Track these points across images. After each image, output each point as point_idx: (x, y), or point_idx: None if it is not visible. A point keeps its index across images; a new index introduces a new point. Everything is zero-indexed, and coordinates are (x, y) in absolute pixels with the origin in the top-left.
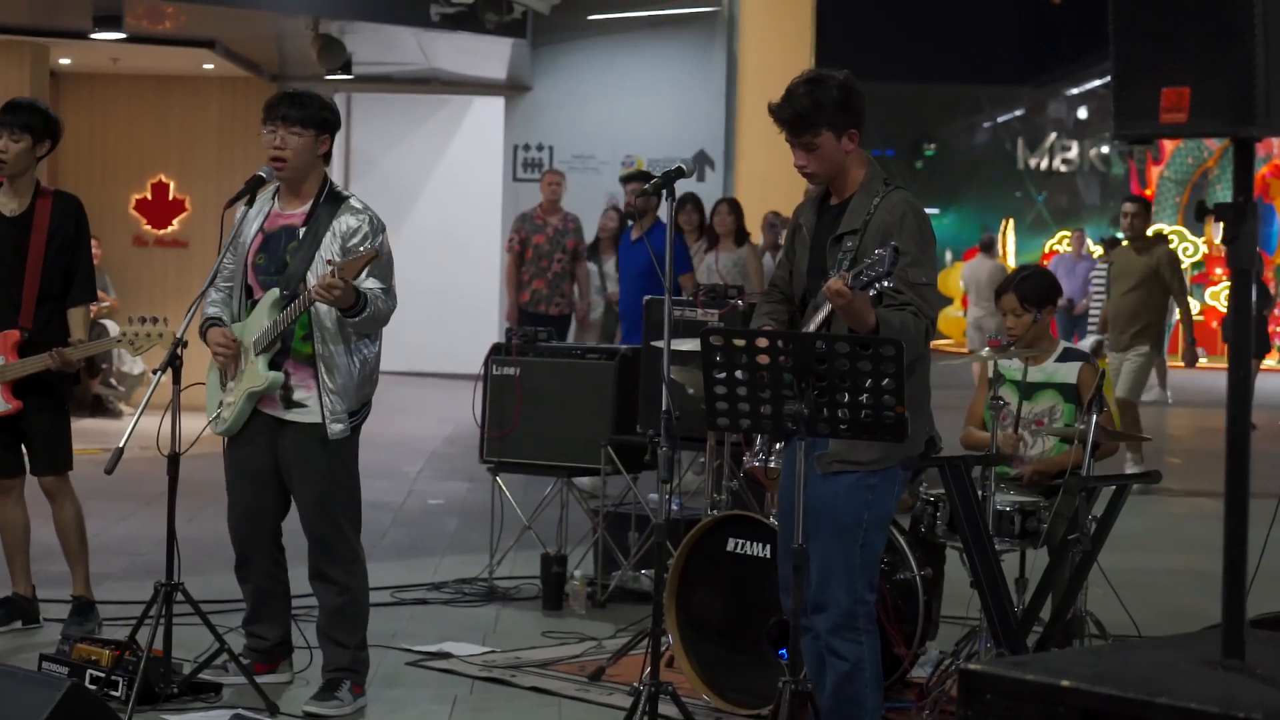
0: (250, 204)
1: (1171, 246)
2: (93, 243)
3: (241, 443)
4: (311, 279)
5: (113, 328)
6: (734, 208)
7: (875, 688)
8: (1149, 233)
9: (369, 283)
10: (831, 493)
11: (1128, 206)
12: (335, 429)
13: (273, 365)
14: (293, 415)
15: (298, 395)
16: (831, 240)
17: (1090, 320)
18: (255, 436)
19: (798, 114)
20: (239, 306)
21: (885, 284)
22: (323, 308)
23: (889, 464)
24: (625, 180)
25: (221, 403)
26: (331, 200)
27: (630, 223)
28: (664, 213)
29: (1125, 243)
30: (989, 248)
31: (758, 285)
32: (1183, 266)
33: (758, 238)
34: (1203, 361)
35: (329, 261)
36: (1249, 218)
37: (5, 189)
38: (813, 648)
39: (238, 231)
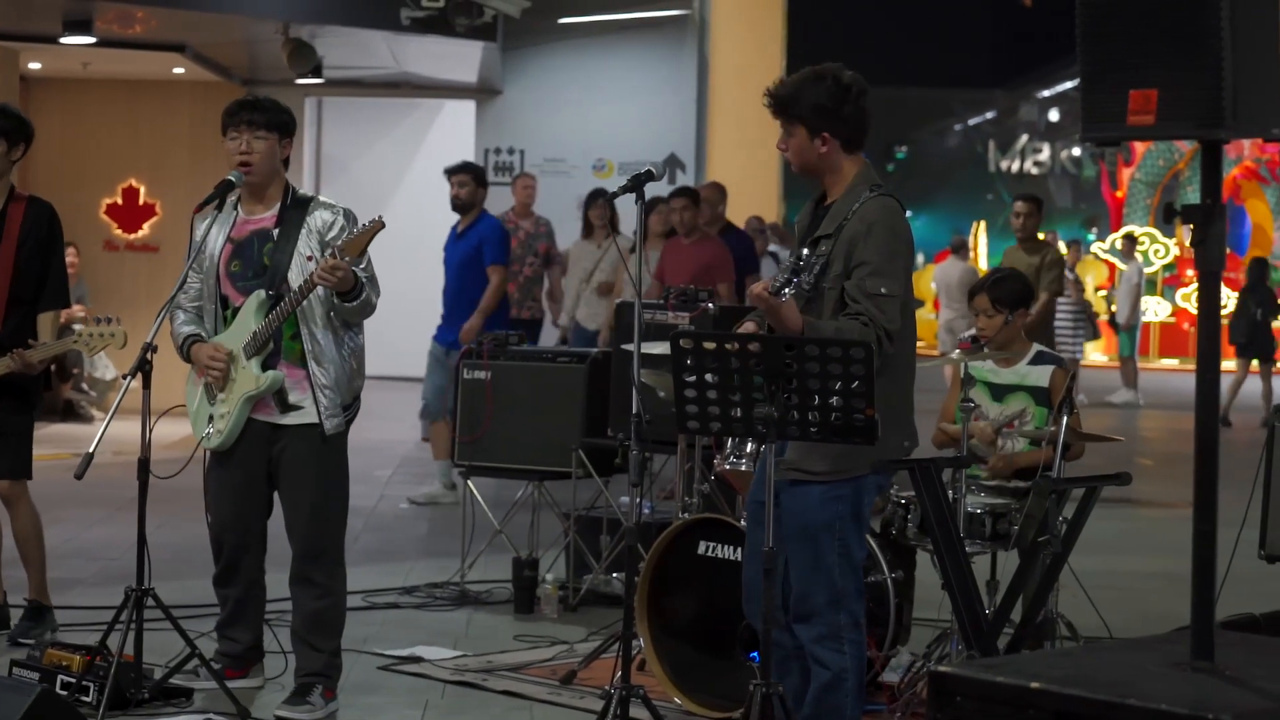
0: (219, 208)
1: (1061, 253)
2: (70, 251)
3: (234, 453)
4: (295, 276)
5: None
6: (611, 205)
7: (857, 697)
8: (1040, 235)
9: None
10: (804, 503)
11: (1019, 205)
12: (332, 424)
13: (266, 367)
14: (290, 418)
15: (293, 398)
16: (809, 242)
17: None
18: (247, 448)
19: (777, 99)
20: (215, 320)
21: (792, 290)
22: (311, 302)
23: (842, 475)
24: (450, 172)
25: (212, 416)
26: (299, 202)
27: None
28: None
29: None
30: (960, 250)
31: (617, 280)
32: (1064, 274)
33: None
34: (1173, 363)
35: (331, 250)
36: (1217, 220)
37: None
38: (780, 653)
39: (200, 248)
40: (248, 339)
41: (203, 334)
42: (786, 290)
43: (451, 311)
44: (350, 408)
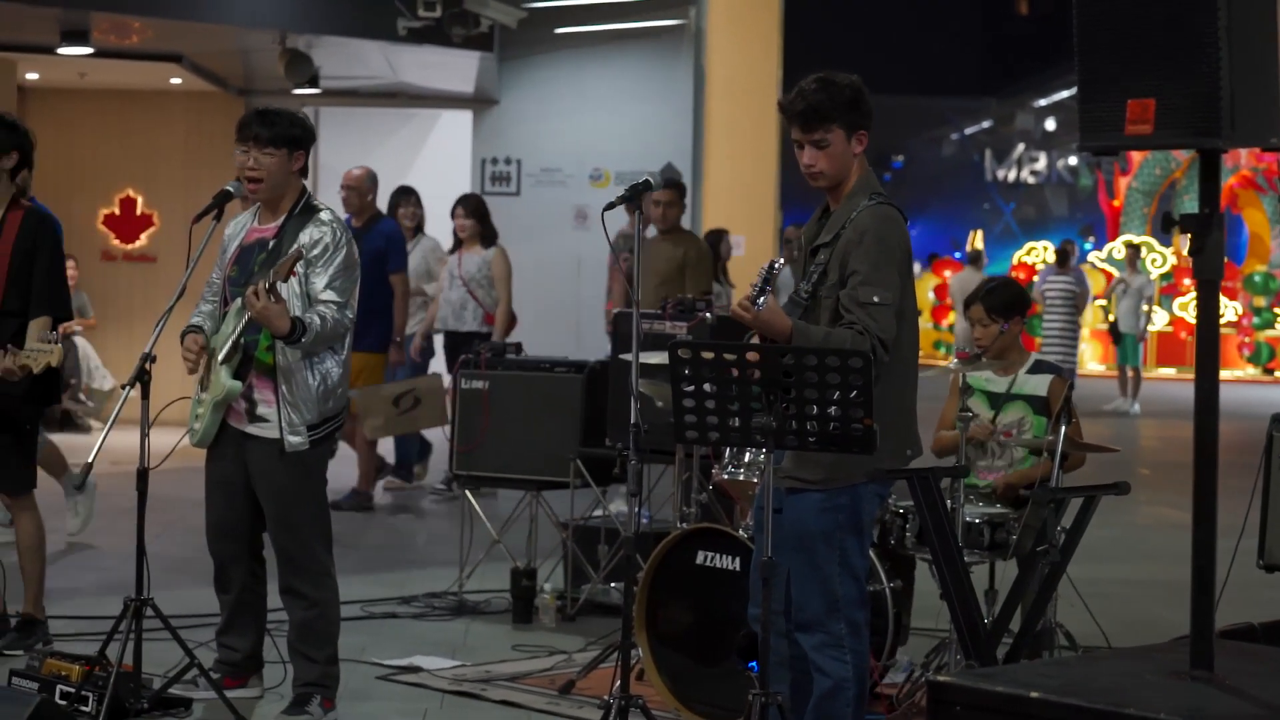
0: (218, 218)
1: (705, 246)
2: (69, 263)
3: (215, 455)
4: (280, 288)
5: (84, 345)
6: (474, 208)
7: (858, 706)
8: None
9: (326, 294)
10: (801, 511)
11: (658, 194)
12: (293, 441)
13: (237, 375)
14: (254, 429)
15: (260, 410)
16: (810, 251)
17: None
18: (226, 450)
19: (811, 107)
20: (219, 322)
21: (764, 299)
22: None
23: (840, 483)
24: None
25: (196, 414)
26: (304, 212)
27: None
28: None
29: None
30: (976, 261)
31: (502, 290)
32: (710, 266)
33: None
34: (1170, 372)
35: (269, 274)
36: (1214, 229)
37: None
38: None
39: (224, 246)
40: (225, 345)
41: (203, 327)
42: (760, 300)
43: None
44: (318, 428)
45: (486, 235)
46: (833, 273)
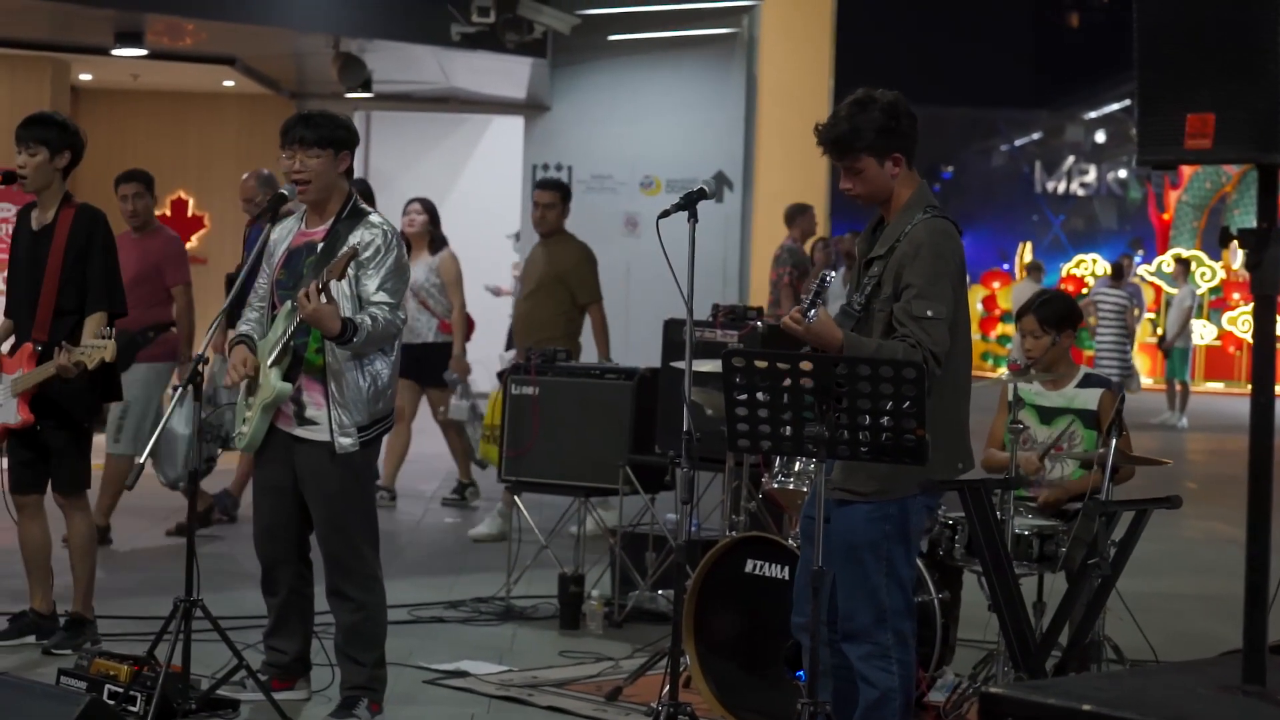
0: (272, 221)
1: (588, 252)
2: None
3: (264, 458)
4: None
5: None
6: (425, 208)
7: (904, 717)
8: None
9: (378, 296)
10: (849, 522)
11: (538, 194)
12: (343, 443)
13: (286, 377)
14: (304, 432)
15: (310, 412)
16: (864, 263)
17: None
18: (275, 452)
19: (836, 139)
20: (265, 324)
21: (816, 312)
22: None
23: (890, 495)
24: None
25: (244, 418)
26: (353, 216)
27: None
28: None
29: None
30: (1035, 272)
31: (454, 296)
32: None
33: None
34: (1218, 386)
35: (323, 273)
36: (1272, 244)
37: (38, 205)
38: (828, 670)
39: (271, 250)
40: (274, 348)
41: (253, 336)
42: (813, 312)
43: None
44: (368, 429)
45: (436, 240)
46: (886, 285)
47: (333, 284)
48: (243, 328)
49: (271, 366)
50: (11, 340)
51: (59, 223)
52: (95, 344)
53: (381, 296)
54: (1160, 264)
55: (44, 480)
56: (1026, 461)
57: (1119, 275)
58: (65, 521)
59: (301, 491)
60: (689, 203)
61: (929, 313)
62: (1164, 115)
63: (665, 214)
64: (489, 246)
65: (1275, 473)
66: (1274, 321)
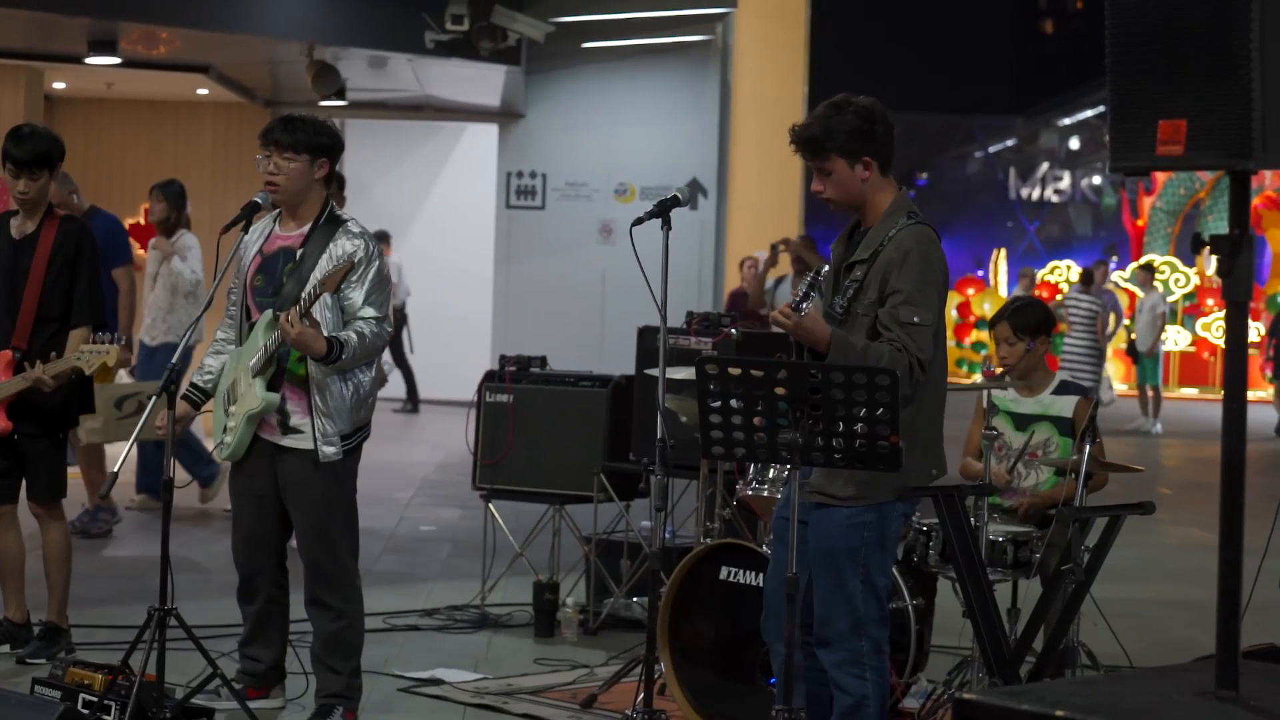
0: (246, 229)
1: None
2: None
3: (244, 468)
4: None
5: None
6: (164, 194)
7: None
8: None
9: (365, 310)
10: (827, 527)
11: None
12: (327, 451)
13: (270, 387)
14: (289, 441)
15: (294, 421)
16: (844, 267)
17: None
18: (257, 461)
19: (807, 139)
20: (239, 333)
21: (809, 304)
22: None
23: (868, 500)
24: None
25: (225, 428)
26: (330, 223)
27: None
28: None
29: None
30: (1028, 279)
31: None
32: None
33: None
34: (1193, 392)
35: (309, 290)
36: (1244, 250)
37: (20, 215)
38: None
39: (241, 255)
40: (254, 358)
41: (213, 374)
42: (805, 305)
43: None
44: (351, 437)
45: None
46: (870, 289)
47: (313, 303)
48: (207, 360)
49: (256, 377)
50: None
51: (43, 232)
52: (96, 349)
53: (368, 311)
54: (1132, 271)
55: (17, 490)
56: (996, 476)
57: (1088, 282)
58: (41, 530)
59: (284, 500)
60: (662, 210)
61: (915, 319)
62: (1136, 122)
63: (638, 222)
64: (463, 253)
65: (1249, 478)
66: (1246, 327)
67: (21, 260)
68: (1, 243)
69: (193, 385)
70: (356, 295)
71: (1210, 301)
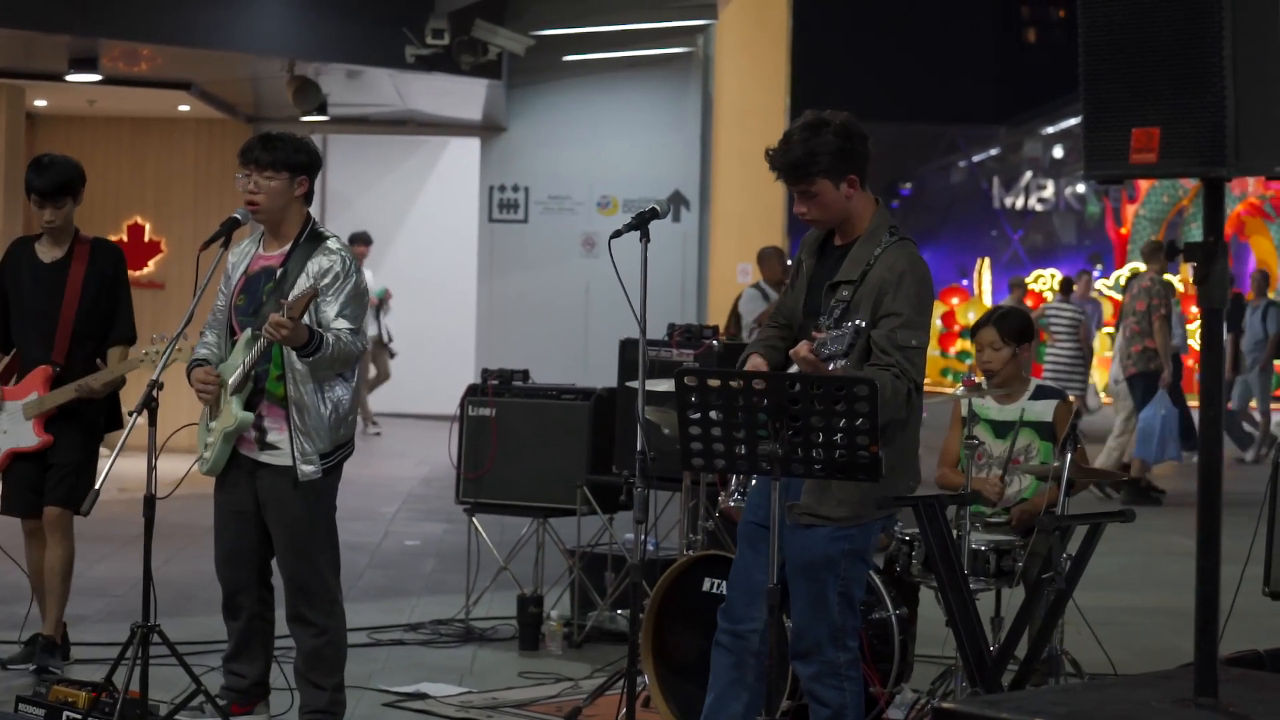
0: (225, 245)
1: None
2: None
3: (226, 483)
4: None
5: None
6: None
7: None
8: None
9: (338, 323)
10: (807, 543)
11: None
12: (305, 470)
13: (248, 406)
14: (266, 457)
15: (271, 437)
16: (828, 286)
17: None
18: (237, 478)
19: (792, 164)
20: (224, 347)
21: (842, 362)
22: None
23: (861, 520)
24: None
25: (205, 444)
26: (311, 240)
27: None
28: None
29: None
30: (1017, 288)
31: None
32: None
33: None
34: None
35: (280, 300)
36: (1219, 257)
37: (45, 240)
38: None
39: (228, 273)
40: (234, 375)
41: (211, 360)
42: (841, 363)
43: None
44: (330, 456)
45: None
46: (862, 310)
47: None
48: (199, 351)
49: (233, 395)
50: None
51: (75, 255)
52: (137, 359)
53: (341, 324)
54: (1118, 278)
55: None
56: (989, 485)
57: (1068, 291)
58: (47, 540)
59: (264, 516)
60: (640, 223)
61: (914, 342)
62: (1110, 130)
63: (617, 234)
64: (446, 267)
65: (1225, 486)
66: (1222, 334)
67: (54, 282)
68: (31, 266)
69: (199, 361)
70: (330, 308)
71: (1194, 309)
